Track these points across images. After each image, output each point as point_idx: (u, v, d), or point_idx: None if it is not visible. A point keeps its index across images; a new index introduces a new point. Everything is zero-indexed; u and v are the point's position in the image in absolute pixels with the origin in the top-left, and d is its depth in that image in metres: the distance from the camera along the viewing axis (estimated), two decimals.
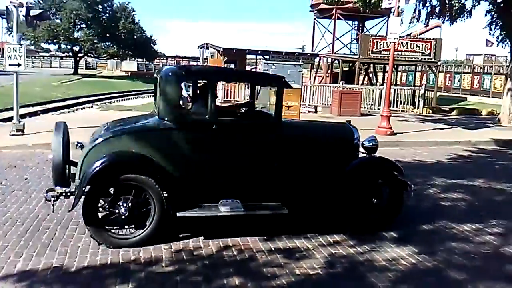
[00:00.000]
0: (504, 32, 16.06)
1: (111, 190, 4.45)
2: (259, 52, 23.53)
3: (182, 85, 4.98)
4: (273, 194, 4.76)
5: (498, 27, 16.24)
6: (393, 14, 13.58)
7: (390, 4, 13.30)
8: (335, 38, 30.87)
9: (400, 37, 15.11)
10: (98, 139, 4.45)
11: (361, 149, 5.22)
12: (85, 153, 4.43)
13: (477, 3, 16.14)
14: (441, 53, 23.07)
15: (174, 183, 4.44)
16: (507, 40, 16.17)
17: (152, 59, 55.87)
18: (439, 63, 24.53)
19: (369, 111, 17.87)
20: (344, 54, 30.82)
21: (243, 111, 5.50)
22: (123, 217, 4.38)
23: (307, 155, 4.89)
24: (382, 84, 20.50)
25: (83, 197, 4.25)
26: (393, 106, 18.80)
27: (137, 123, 4.79)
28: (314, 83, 24.14)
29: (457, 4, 15.78)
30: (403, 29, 16.12)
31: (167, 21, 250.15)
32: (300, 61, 20.77)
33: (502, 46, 16.59)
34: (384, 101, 14.50)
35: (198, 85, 5.38)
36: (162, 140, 4.48)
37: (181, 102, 4.73)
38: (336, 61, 29.71)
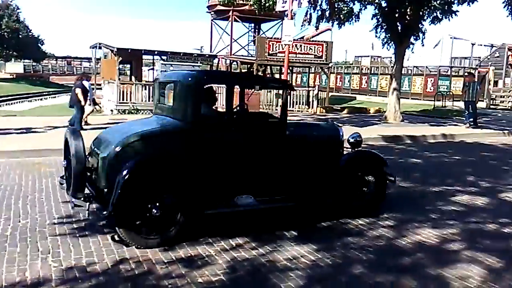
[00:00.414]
0: (389, 35, 17.29)
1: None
2: (156, 52, 22.84)
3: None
4: (279, 189, 5.15)
5: (383, 30, 17.43)
6: (286, 17, 13.93)
7: (283, 7, 13.63)
8: (233, 40, 31.12)
9: (294, 39, 15.57)
10: (120, 144, 4.48)
11: (346, 145, 5.80)
12: (110, 158, 4.44)
13: (364, 8, 17.20)
14: (332, 55, 24.24)
15: (198, 182, 4.59)
16: (392, 43, 17.43)
17: (40, 60, 52.03)
18: (330, 65, 25.77)
19: (268, 112, 18.17)
20: (242, 55, 31.19)
21: (249, 113, 5.79)
22: (155, 217, 4.43)
23: (305, 151, 5.35)
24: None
25: (116, 199, 4.22)
26: (290, 107, 19.37)
27: (157, 127, 4.84)
28: None
29: (345, 8, 16.68)
30: (296, 32, 16.66)
31: (56, 14, 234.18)
32: (199, 62, 20.53)
33: (387, 48, 17.86)
34: None
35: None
36: (185, 142, 4.67)
37: (202, 105, 4.86)
38: (234, 63, 29.95)
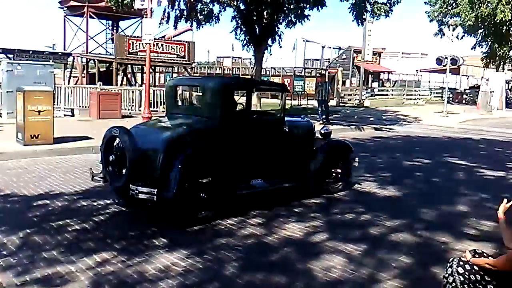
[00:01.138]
0: (248, 37, 17.84)
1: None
2: (0, 50, 20.45)
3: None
4: (280, 172, 6.38)
5: (242, 32, 17.92)
6: (146, 16, 13.51)
7: (142, 5, 13.18)
8: (89, 37, 29.30)
9: (155, 38, 15.19)
10: (170, 139, 5.35)
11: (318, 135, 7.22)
12: (164, 151, 5.23)
13: (223, 9, 17.50)
14: (194, 55, 24.26)
15: (228, 168, 5.59)
16: (251, 44, 18.01)
17: None
18: (193, 65, 25.76)
19: (130, 113, 17.48)
20: (100, 54, 29.52)
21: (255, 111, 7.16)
22: (203, 200, 5.35)
23: (295, 141, 6.63)
24: (141, 85, 20.36)
25: (175, 184, 5.05)
26: (154, 107, 18.87)
27: (195, 125, 5.74)
28: (69, 84, 22.30)
29: (205, 9, 16.78)
30: (157, 30, 16.25)
31: None
32: (51, 60, 18.88)
33: (247, 50, 18.41)
34: (144, 102, 14.36)
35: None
36: (217, 136, 5.67)
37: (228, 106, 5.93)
38: (92, 61, 28.20)
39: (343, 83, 34.89)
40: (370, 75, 39.96)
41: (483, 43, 31.16)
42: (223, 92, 5.95)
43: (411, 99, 35.58)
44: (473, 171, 9.54)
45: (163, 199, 5.09)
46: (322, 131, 7.34)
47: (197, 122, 5.82)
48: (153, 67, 26.99)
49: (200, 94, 6.34)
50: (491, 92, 26.93)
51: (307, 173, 6.70)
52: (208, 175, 5.42)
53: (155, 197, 5.07)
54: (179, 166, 5.15)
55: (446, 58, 23.39)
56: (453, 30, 23.74)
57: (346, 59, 39.23)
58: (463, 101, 35.65)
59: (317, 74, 25.68)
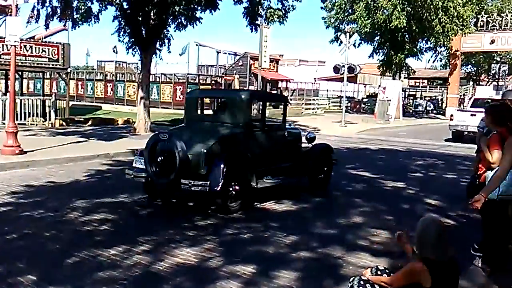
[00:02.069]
0: (133, 40, 17.41)
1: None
2: None
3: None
4: (282, 170, 8.33)
5: (127, 34, 17.44)
6: (10, 13, 12.58)
7: (6, 1, 12.29)
8: None
9: (22, 39, 14.21)
10: (211, 143, 7.22)
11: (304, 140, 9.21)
12: (207, 153, 7.06)
13: (104, 8, 16.90)
14: (70, 58, 23.10)
15: (251, 166, 7.49)
16: (136, 48, 17.58)
17: None
18: (69, 70, 24.52)
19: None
20: None
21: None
22: (235, 192, 7.30)
23: (291, 144, 8.75)
24: (5, 94, 18.90)
25: (220, 179, 6.95)
26: (21, 120, 17.59)
27: (224, 131, 7.70)
28: None
29: (82, 7, 16.08)
30: (25, 30, 15.24)
31: None
32: None
33: (132, 54, 17.95)
34: (8, 114, 13.30)
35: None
36: (242, 140, 7.70)
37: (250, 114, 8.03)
38: None
39: None
40: (268, 83, 41.19)
41: (380, 51, 33.77)
42: (246, 103, 8.09)
43: (309, 108, 37.29)
44: (373, 182, 10.20)
45: (213, 190, 6.93)
46: (308, 136, 9.25)
47: (225, 129, 7.83)
48: (19, 73, 25.19)
49: (224, 104, 8.52)
50: (388, 100, 29.18)
51: (307, 171, 8.75)
52: (240, 172, 7.37)
53: (207, 188, 6.89)
54: (222, 165, 7.02)
55: (343, 66, 24.88)
56: (350, 37, 25.38)
57: (243, 65, 40.08)
58: (361, 110, 38.23)
59: (212, 82, 25.91)
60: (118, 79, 35.50)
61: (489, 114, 5.08)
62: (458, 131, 18.98)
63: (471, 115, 17.27)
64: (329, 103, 41.20)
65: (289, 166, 8.57)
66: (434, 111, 41.12)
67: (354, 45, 28.94)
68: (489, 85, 50.39)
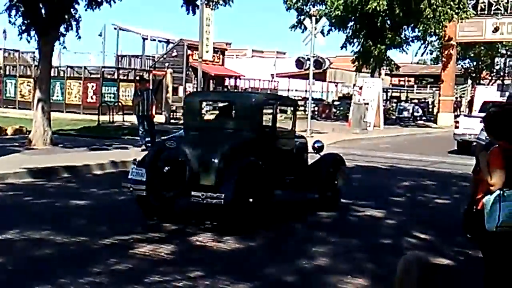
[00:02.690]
0: (28, 21, 17.03)
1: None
2: None
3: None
4: (290, 183, 9.77)
5: (20, 13, 17.06)
6: None
7: None
8: None
9: None
10: (223, 151, 8.43)
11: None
12: (216, 163, 8.21)
13: None
14: None
15: (266, 177, 8.66)
16: (34, 32, 17.19)
17: None
18: None
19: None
20: None
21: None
22: (251, 204, 8.40)
23: (299, 153, 10.12)
24: None
25: (234, 187, 8.08)
26: None
27: (236, 137, 9.12)
28: None
29: None
30: None
31: None
32: None
33: (27, 40, 17.52)
34: None
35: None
36: (256, 146, 8.98)
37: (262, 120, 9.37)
38: None
39: (175, 90, 35.41)
40: (211, 80, 41.26)
41: (355, 40, 34.47)
42: (258, 108, 9.33)
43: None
44: (346, 209, 10.37)
45: (227, 203, 7.90)
46: (316, 146, 10.46)
47: (236, 136, 9.15)
48: None
49: (232, 109, 9.72)
50: (365, 104, 29.78)
51: (318, 185, 9.98)
52: (254, 184, 8.37)
53: (222, 201, 7.85)
54: (236, 176, 8.11)
55: (308, 59, 25.19)
56: (317, 22, 25.79)
57: (178, 57, 39.98)
58: (332, 116, 38.93)
59: (137, 78, 25.69)
60: (7, 73, 34.64)
61: (486, 122, 5.27)
62: (465, 140, 19.63)
63: (481, 121, 17.92)
64: None
65: (296, 179, 9.85)
66: (424, 118, 42.21)
67: (322, 32, 29.39)
68: (492, 85, 52.53)
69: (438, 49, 48.17)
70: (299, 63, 26.03)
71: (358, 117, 29.21)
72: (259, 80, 47.48)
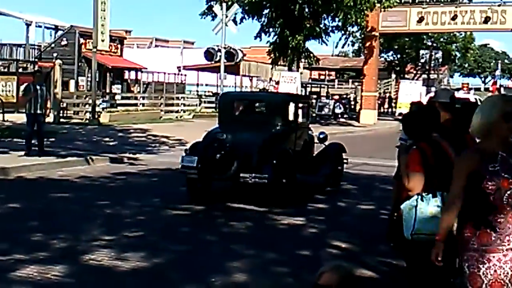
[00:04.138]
0: None
1: None
2: None
3: None
4: (305, 168, 12.65)
5: None
6: None
7: None
8: None
9: None
10: (261, 141, 11.50)
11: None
12: (257, 150, 11.30)
13: None
14: None
15: (293, 162, 11.77)
16: None
17: None
18: None
19: None
20: None
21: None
22: (284, 184, 11.51)
23: (310, 144, 13.54)
24: None
25: (273, 170, 11.04)
26: None
27: (269, 130, 12.08)
28: None
29: None
30: None
31: None
32: None
33: None
34: None
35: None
36: (285, 137, 12.34)
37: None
38: None
39: (65, 84, 34.60)
40: (108, 73, 40.61)
41: (270, 30, 34.75)
42: (286, 105, 12.57)
43: (172, 111, 37.27)
44: (262, 218, 10.53)
45: (270, 182, 10.91)
46: (320, 136, 13.41)
47: (269, 128, 12.09)
48: None
49: (264, 106, 13.62)
50: None
51: (326, 170, 13.02)
52: (286, 167, 11.34)
53: (266, 180, 10.85)
54: (275, 161, 11.01)
55: (219, 50, 25.27)
56: (228, 9, 25.91)
57: (69, 46, 39.14)
58: None
59: (21, 70, 24.90)
60: None
61: (404, 123, 5.45)
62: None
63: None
64: (200, 104, 41.52)
65: (308, 164, 12.88)
66: (345, 115, 43.09)
67: (234, 20, 29.55)
68: (417, 79, 54.42)
69: (360, 41, 49.29)
70: (209, 54, 26.14)
71: None
72: (164, 73, 46.96)
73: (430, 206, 4.96)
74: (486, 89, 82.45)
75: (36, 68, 25.57)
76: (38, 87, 16.89)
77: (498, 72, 56.67)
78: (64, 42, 39.58)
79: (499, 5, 36.58)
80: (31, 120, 16.65)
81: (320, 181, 13.16)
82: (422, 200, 4.97)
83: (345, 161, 13.82)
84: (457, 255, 5.97)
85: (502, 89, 47.20)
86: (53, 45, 40.26)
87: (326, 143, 13.64)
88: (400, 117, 20.01)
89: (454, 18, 37.24)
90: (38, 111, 16.67)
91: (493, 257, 4.02)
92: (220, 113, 13.57)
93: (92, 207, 10.78)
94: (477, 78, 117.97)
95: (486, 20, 36.75)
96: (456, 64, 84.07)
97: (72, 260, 7.54)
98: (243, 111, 13.74)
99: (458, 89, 51.12)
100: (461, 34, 59.59)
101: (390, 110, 51.72)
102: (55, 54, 36.98)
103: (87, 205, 10.97)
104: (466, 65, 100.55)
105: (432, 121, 5.35)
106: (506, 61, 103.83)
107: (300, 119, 13.35)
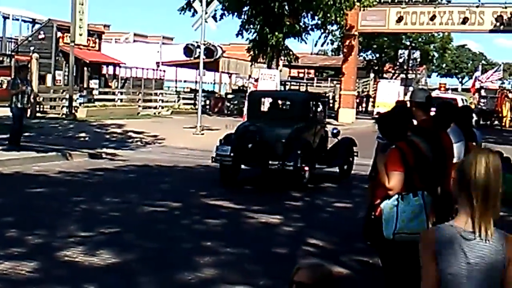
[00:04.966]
0: None
1: None
2: None
3: None
4: (322, 151, 15.04)
5: None
6: None
7: None
8: None
9: None
10: (288, 133, 13.30)
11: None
12: (284, 140, 13.10)
13: None
14: None
15: (313, 152, 14.08)
16: None
17: None
18: None
19: None
20: None
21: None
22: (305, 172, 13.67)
23: (326, 134, 15.52)
24: None
25: (298, 159, 13.04)
26: None
27: (296, 124, 13.77)
28: None
29: None
30: None
31: None
32: None
33: None
34: None
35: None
36: (308, 130, 14.40)
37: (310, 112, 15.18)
38: None
39: (42, 79, 34.34)
40: (86, 68, 40.39)
41: (250, 27, 34.74)
42: (308, 103, 14.84)
43: (150, 107, 37.18)
44: (238, 215, 10.48)
45: (295, 169, 12.81)
46: (334, 131, 14.91)
47: (293, 123, 13.66)
48: None
49: (288, 103, 15.90)
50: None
51: (340, 162, 14.77)
52: (308, 156, 13.27)
53: (292, 167, 12.72)
54: (299, 151, 12.93)
55: (199, 46, 25.17)
56: (208, 5, 25.81)
57: (46, 39, 38.85)
58: (225, 111, 39.05)
59: (19, 64, 24.57)
60: None
61: (379, 124, 5.47)
62: None
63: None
64: (179, 100, 41.46)
65: (324, 156, 14.68)
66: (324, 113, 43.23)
67: (214, 17, 29.43)
68: (396, 78, 54.68)
69: (340, 39, 49.41)
70: (188, 50, 25.93)
71: None
72: (142, 68, 46.79)
73: (411, 205, 4.99)
74: (464, 90, 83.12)
75: (21, 63, 25.21)
76: (25, 82, 16.75)
77: (478, 73, 57.12)
78: (41, 36, 39.26)
79: (477, 6, 36.84)
80: (19, 115, 16.44)
81: (335, 170, 14.97)
82: (402, 199, 5.00)
83: (355, 153, 15.32)
84: None
85: (482, 90, 47.46)
86: (30, 38, 39.90)
87: (339, 137, 15.25)
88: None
89: (432, 18, 37.44)
90: (24, 106, 16.55)
91: None
92: (248, 109, 16.17)
93: (68, 203, 10.74)
94: (454, 78, 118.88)
95: (464, 21, 37.00)
96: (434, 64, 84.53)
97: (47, 256, 7.53)
98: (269, 108, 15.96)
99: (435, 89, 51.45)
100: (439, 35, 60.08)
101: (368, 109, 51.95)
102: (32, 48, 36.62)
103: (63, 201, 10.94)
104: (444, 66, 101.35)
105: (407, 122, 5.39)
106: (483, 62, 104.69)
107: (318, 116, 15.78)
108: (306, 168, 13.24)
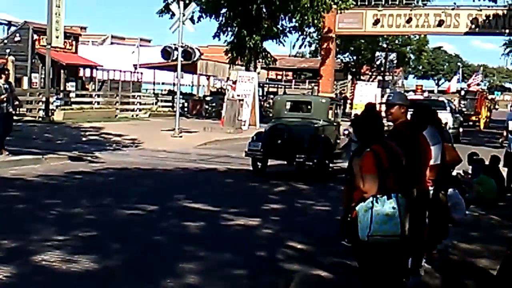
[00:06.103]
0: None
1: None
2: None
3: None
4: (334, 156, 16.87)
5: None
6: None
7: None
8: None
9: None
10: (313, 131, 15.92)
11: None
12: (309, 137, 15.48)
13: None
14: None
15: (332, 149, 16.50)
16: None
17: None
18: None
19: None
20: None
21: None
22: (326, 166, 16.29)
23: (339, 133, 17.75)
24: None
25: (321, 153, 15.52)
26: None
27: (314, 124, 16.32)
28: None
29: None
30: None
31: None
32: None
33: None
34: None
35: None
36: (328, 129, 16.73)
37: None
38: None
39: (18, 81, 34.08)
40: (63, 71, 40.12)
41: (228, 29, 34.76)
42: (327, 106, 17.01)
43: (128, 109, 37.02)
44: (215, 218, 10.43)
45: (319, 162, 15.28)
46: (345, 132, 16.30)
47: (315, 122, 16.10)
48: None
49: (309, 106, 17.27)
50: (240, 100, 30.11)
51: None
52: (328, 152, 15.63)
53: (315, 160, 15.14)
54: (321, 147, 15.26)
55: (177, 49, 25.14)
56: (185, 7, 25.79)
57: (22, 42, 38.58)
58: (204, 113, 39.03)
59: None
60: None
61: (354, 126, 5.48)
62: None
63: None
64: (156, 102, 41.32)
65: (337, 153, 16.51)
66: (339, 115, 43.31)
67: (192, 19, 29.42)
68: (373, 81, 54.96)
69: (317, 42, 49.63)
70: (166, 53, 25.87)
71: (232, 114, 29.42)
72: (120, 71, 46.54)
73: (385, 207, 5.02)
74: (440, 91, 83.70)
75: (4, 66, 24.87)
76: (7, 86, 16.41)
77: (458, 76, 58.06)
78: (17, 38, 38.94)
79: (452, 9, 37.25)
80: (5, 120, 16.12)
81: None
82: (377, 202, 5.02)
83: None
84: (409, 256, 6.07)
85: (462, 91, 47.98)
86: (6, 41, 39.54)
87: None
88: None
89: (409, 21, 37.81)
90: (7, 110, 16.19)
91: None
92: (275, 110, 17.98)
93: (45, 207, 10.60)
94: (430, 80, 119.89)
95: (440, 23, 37.40)
96: (410, 66, 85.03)
97: (23, 261, 7.43)
98: (293, 110, 17.51)
99: (412, 91, 51.81)
100: (415, 37, 60.50)
101: (345, 111, 52.10)
102: (8, 50, 36.37)
103: (40, 204, 10.81)
104: (420, 67, 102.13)
105: (378, 123, 5.41)
106: (459, 63, 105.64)
107: (335, 118, 17.51)
108: (327, 161, 15.50)
